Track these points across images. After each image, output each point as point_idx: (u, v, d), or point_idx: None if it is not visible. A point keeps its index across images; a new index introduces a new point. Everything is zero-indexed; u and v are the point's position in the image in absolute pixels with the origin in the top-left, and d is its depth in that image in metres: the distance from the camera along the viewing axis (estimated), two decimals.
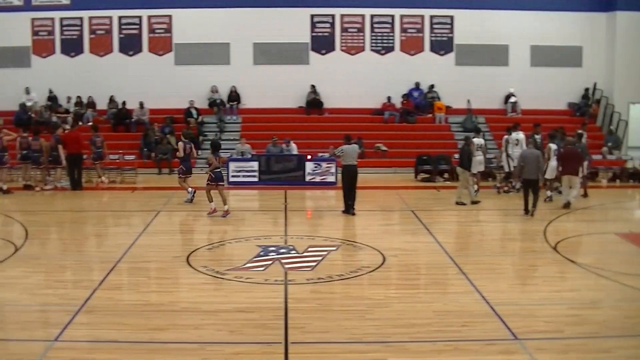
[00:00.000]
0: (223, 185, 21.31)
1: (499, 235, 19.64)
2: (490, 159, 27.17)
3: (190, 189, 23.11)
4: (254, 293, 13.11)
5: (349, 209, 20.92)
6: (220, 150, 21.66)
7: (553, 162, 23.02)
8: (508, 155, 24.63)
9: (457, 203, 22.63)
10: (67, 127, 27.89)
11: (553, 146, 23.32)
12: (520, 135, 24.87)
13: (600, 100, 34.27)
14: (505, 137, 25.08)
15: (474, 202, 22.67)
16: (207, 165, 21.18)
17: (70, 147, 25.66)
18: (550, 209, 21.76)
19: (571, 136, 23.83)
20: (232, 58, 34.22)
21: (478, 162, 24.04)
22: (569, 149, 22.25)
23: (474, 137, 24.62)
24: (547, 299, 12.70)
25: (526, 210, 20.68)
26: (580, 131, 25.63)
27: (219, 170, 21.09)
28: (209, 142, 28.41)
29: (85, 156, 26.50)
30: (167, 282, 14.30)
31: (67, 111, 32.72)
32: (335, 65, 34.21)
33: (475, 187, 23.92)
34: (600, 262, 15.14)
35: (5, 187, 24.79)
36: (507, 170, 24.95)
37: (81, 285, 13.48)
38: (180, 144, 23.58)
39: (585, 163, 23.87)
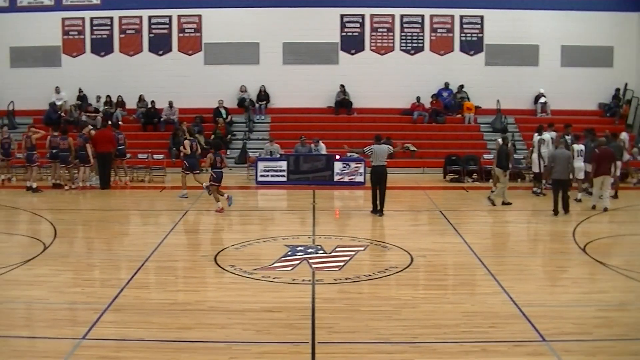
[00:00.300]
0: (218, 185, 21.36)
1: (527, 236, 19.58)
2: (519, 159, 27.04)
3: (184, 191, 23.53)
4: (282, 293, 13.09)
5: (377, 210, 20.86)
6: (222, 150, 21.80)
7: (578, 163, 22.82)
8: (540, 156, 24.40)
9: (504, 203, 22.40)
10: (91, 127, 27.94)
11: (577, 147, 23.15)
12: (546, 135, 24.71)
13: (631, 100, 33.96)
14: (537, 137, 24.87)
15: (505, 203, 22.50)
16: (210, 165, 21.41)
17: (100, 146, 25.77)
18: (579, 210, 21.60)
19: (601, 136, 23.61)
20: (261, 58, 34.33)
21: None
22: (603, 149, 21.97)
23: None
24: (575, 300, 12.60)
25: (555, 211, 20.52)
26: (623, 133, 25.54)
27: (220, 170, 21.22)
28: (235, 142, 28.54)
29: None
30: (194, 281, 14.34)
31: (96, 110, 32.93)
32: (365, 65, 34.19)
33: (494, 187, 23.78)
34: (630, 264, 14.95)
35: (34, 185, 24.98)
36: (536, 170, 24.76)
37: (109, 284, 13.54)
38: (187, 141, 23.85)
39: (619, 163, 23.67)
